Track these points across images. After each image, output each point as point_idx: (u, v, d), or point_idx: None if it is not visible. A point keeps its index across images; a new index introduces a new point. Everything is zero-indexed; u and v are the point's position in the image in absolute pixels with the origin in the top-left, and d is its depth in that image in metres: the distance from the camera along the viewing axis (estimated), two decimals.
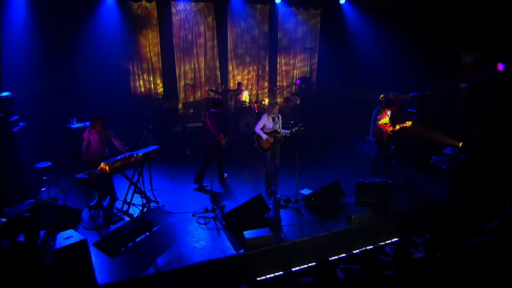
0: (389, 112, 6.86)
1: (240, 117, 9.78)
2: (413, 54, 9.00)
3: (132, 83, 10.04)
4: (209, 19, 10.57)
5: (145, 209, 5.85)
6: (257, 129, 6.15)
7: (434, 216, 5.64)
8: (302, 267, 4.61)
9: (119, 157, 5.42)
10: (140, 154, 5.66)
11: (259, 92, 11.53)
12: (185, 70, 10.59)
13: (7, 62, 6.64)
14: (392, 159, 7.58)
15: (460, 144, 6.89)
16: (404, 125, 6.74)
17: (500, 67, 6.89)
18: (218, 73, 11.07)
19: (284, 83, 12.25)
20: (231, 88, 10.95)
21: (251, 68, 11.58)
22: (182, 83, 10.65)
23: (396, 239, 5.27)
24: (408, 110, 8.08)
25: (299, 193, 6.22)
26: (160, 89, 10.43)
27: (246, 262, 4.62)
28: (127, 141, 6.10)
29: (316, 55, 12.51)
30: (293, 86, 12.49)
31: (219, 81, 11.03)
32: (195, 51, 10.56)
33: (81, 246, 3.95)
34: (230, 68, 11.25)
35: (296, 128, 6.01)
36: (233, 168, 7.45)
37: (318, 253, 4.68)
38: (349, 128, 10.36)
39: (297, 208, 5.92)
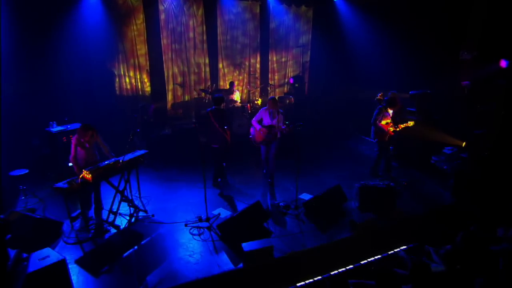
0: (391, 111, 6.57)
1: (233, 118, 9.36)
2: (409, 52, 8.76)
3: (117, 83, 9.49)
4: (198, 16, 10.12)
5: (133, 219, 5.36)
6: (253, 120, 6.34)
7: (440, 220, 5.35)
8: (307, 281, 4.23)
9: (103, 163, 4.94)
10: (126, 160, 5.18)
11: (251, 91, 11.13)
12: (173, 69, 10.10)
13: None
14: (392, 160, 7.30)
15: (463, 144, 6.64)
16: (407, 125, 6.47)
17: (503, 63, 6.67)
18: (208, 71, 10.62)
19: (276, 81, 11.88)
20: (222, 88, 10.52)
21: (242, 66, 11.17)
22: (170, 82, 10.16)
23: (405, 246, 4.95)
24: (407, 109, 7.83)
25: (298, 198, 5.85)
26: (148, 88, 9.92)
27: (246, 278, 4.21)
28: (113, 145, 5.61)
29: (309, 53, 12.18)
30: (285, 86, 12.15)
31: (209, 80, 10.59)
32: (183, 49, 10.08)
33: (60, 267, 3.48)
34: (220, 66, 10.82)
35: (292, 126, 5.91)
36: (228, 171, 7.02)
37: (324, 265, 4.32)
38: (344, 128, 10.09)
39: (297, 215, 5.55)
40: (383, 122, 6.48)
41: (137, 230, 5.15)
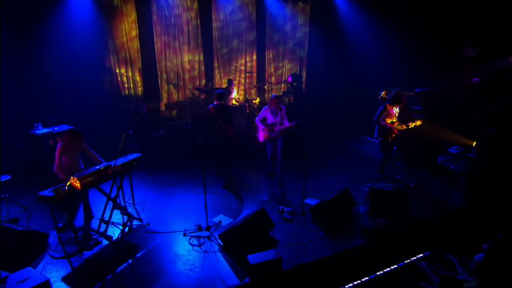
0: (396, 109, 6.25)
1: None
2: (409, 48, 8.51)
3: (108, 82, 9.00)
4: (193, 11, 9.70)
5: (126, 229, 4.92)
6: (257, 120, 6.36)
7: (455, 225, 5.03)
8: None
9: (93, 169, 4.49)
10: (119, 165, 4.74)
11: (248, 90, 10.75)
12: (166, 66, 9.66)
13: None
14: (397, 160, 6.99)
15: (474, 143, 6.35)
16: (415, 123, 6.16)
17: None
18: (202, 69, 10.20)
19: (273, 80, 11.52)
20: (217, 87, 10.11)
21: (238, 64, 10.79)
22: (164, 81, 9.72)
23: (421, 254, 4.62)
24: (412, 107, 7.54)
25: (304, 203, 5.49)
26: (140, 88, 9.46)
27: None
28: (103, 149, 5.17)
29: (306, 50, 11.85)
30: (282, 84, 11.81)
31: (204, 78, 10.17)
32: (177, 45, 9.65)
33: None
34: (215, 64, 10.42)
35: (294, 123, 6.00)
36: (228, 171, 6.64)
37: (337, 276, 3.96)
38: (344, 128, 9.77)
39: (304, 221, 5.18)
40: (388, 121, 6.17)
41: (131, 241, 4.71)
